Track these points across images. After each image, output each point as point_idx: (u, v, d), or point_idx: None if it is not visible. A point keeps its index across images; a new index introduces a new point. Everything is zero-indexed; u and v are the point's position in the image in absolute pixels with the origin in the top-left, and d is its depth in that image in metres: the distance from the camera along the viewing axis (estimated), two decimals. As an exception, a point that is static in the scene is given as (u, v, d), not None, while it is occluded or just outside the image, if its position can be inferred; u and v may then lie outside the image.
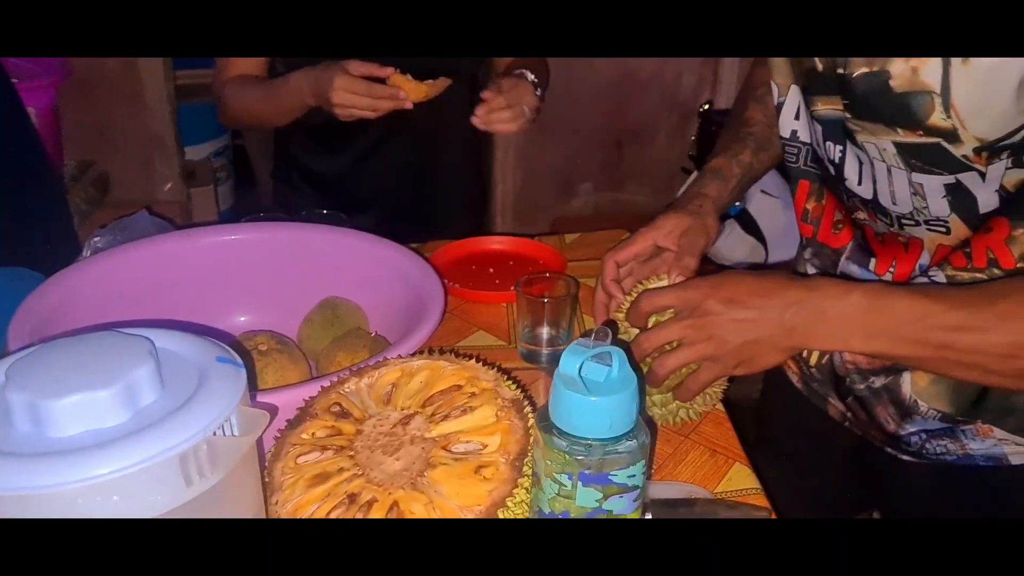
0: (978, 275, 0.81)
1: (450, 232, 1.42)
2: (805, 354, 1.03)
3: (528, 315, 1.06)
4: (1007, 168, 0.73)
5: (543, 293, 1.08)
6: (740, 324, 0.75)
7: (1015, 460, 0.90)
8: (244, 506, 0.55)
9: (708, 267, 2.14)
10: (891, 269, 0.87)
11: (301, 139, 1.51)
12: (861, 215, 0.88)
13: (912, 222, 0.82)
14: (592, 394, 0.57)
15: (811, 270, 0.98)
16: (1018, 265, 0.79)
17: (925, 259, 0.84)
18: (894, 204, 0.81)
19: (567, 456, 0.58)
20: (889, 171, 0.79)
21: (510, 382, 0.74)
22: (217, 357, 0.55)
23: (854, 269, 0.92)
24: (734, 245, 1.96)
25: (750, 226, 1.94)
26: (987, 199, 0.76)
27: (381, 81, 1.24)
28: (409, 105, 1.24)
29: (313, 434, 0.73)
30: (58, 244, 1.36)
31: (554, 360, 1.05)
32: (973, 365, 0.72)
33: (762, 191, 1.96)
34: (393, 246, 1.06)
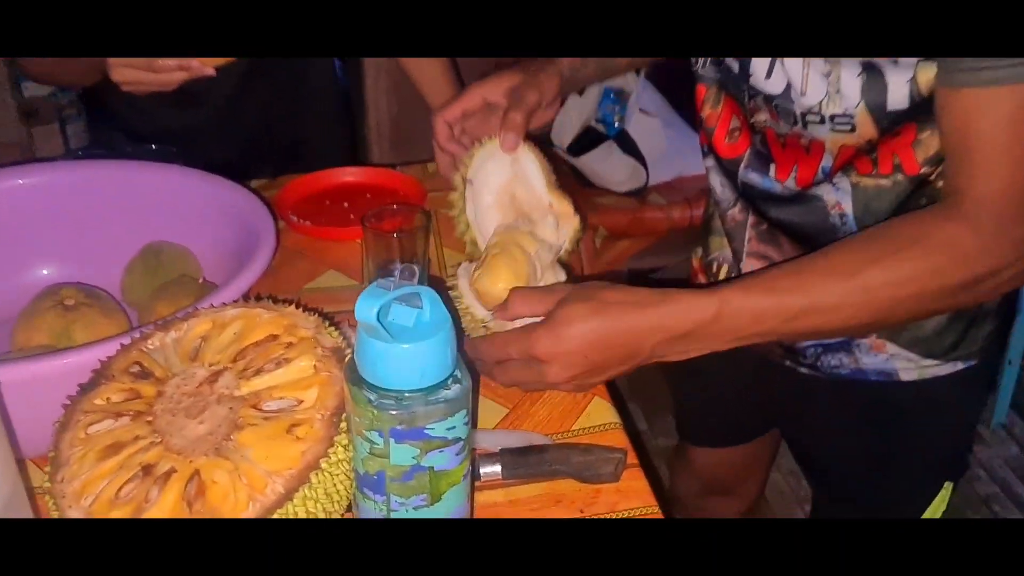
0: (882, 181, 0.80)
1: (316, 168, 1.32)
2: (715, 269, 1.02)
3: (378, 252, 0.98)
4: (919, 60, 0.70)
5: (394, 227, 1.00)
6: (586, 383, 0.73)
7: (905, 376, 0.90)
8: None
9: (591, 192, 2.08)
10: (792, 174, 0.84)
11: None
12: (762, 116, 0.84)
13: (817, 118, 0.78)
14: (399, 341, 0.50)
15: (717, 181, 0.95)
16: (922, 170, 0.78)
17: (827, 162, 0.81)
18: (803, 95, 0.77)
19: (376, 411, 0.51)
20: None
21: (332, 328, 0.67)
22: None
23: (754, 177, 0.88)
24: (614, 168, 1.91)
25: (629, 147, 1.89)
26: (898, 92, 0.72)
27: None
28: (209, 71, 1.06)
29: (108, 399, 0.64)
30: None
31: (408, 298, 0.99)
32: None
33: (641, 109, 1.91)
34: (222, 182, 0.95)
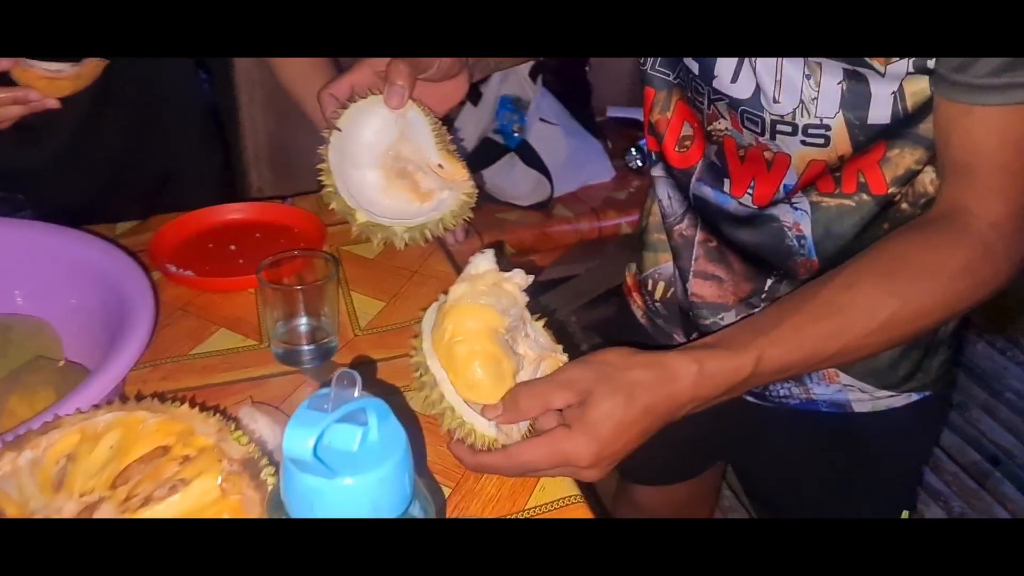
0: (845, 202, 0.74)
1: (191, 202, 1.15)
2: (650, 286, 0.95)
3: (279, 307, 0.84)
4: (908, 72, 0.64)
5: (294, 277, 0.87)
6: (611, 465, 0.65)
7: (857, 408, 0.86)
8: None
9: (493, 208, 1.99)
10: (749, 191, 0.77)
11: None
12: (721, 125, 0.76)
13: (788, 128, 0.71)
14: (341, 473, 0.38)
15: (664, 192, 0.87)
16: (889, 190, 0.72)
17: (791, 178, 0.74)
18: (775, 101, 0.70)
19: (315, 565, 0.39)
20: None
21: (239, 433, 0.54)
22: None
23: (707, 191, 0.81)
24: (518, 181, 1.81)
25: (531, 158, 1.80)
26: (881, 103, 0.66)
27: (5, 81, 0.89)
28: (52, 103, 0.90)
29: (-58, 554, 0.49)
30: None
31: (320, 357, 0.85)
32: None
33: (541, 119, 1.82)
34: (81, 236, 0.80)
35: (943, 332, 0.84)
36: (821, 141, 0.70)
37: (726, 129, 0.76)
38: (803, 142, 0.71)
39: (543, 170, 1.81)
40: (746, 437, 0.99)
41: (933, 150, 0.70)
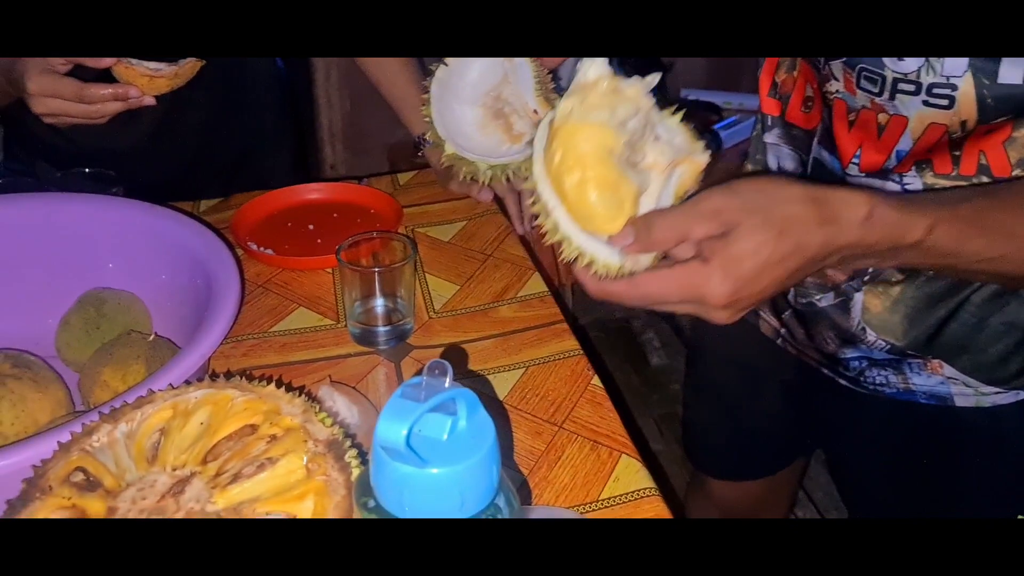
0: (961, 184, 0.69)
1: (267, 178, 1.17)
2: None
3: (356, 287, 0.86)
4: None
5: (372, 259, 0.88)
6: (745, 311, 0.58)
7: (960, 402, 0.81)
8: None
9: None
10: (855, 160, 0.73)
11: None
12: (835, 86, 0.73)
13: (911, 87, 0.66)
14: (430, 464, 0.38)
15: (774, 160, 0.85)
16: (1014, 172, 0.67)
17: (906, 143, 0.70)
18: (899, 58, 0.66)
19: (403, 551, 0.39)
20: None
21: (324, 414, 0.55)
22: None
23: (825, 156, 0.78)
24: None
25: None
26: (1013, 62, 0.61)
27: (107, 76, 0.91)
28: (149, 100, 0.93)
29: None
30: None
31: (396, 338, 0.86)
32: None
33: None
34: (171, 215, 0.82)
35: None
36: (945, 103, 0.66)
37: (837, 91, 0.73)
38: (925, 102, 0.66)
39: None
40: (835, 425, 0.95)
41: None
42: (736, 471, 1.13)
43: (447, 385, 0.40)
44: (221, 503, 0.50)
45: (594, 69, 0.57)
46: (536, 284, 0.95)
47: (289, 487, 0.51)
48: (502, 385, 0.81)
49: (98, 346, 0.76)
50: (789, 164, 0.84)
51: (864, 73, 0.69)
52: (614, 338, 2.27)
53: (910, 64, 0.66)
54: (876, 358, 0.83)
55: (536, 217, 0.58)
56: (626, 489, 0.70)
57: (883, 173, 0.73)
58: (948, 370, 0.80)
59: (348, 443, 0.53)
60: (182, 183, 1.17)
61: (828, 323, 0.83)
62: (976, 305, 0.76)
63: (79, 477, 0.53)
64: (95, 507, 0.51)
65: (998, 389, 0.80)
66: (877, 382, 0.84)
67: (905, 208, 0.56)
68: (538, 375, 0.83)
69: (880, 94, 0.69)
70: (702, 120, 2.05)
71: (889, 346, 0.80)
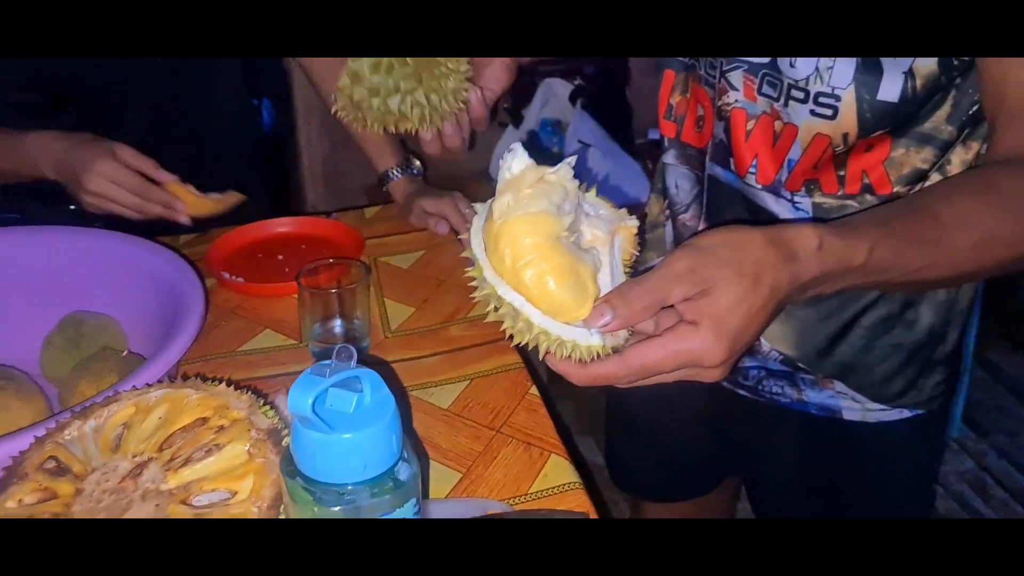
0: (848, 203, 0.76)
1: (250, 216, 1.26)
2: None
3: (316, 309, 0.93)
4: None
5: (331, 282, 0.96)
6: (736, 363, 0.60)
7: (848, 415, 0.88)
8: None
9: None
10: (752, 169, 0.78)
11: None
12: (732, 98, 0.78)
13: (801, 95, 0.72)
14: (337, 430, 0.46)
15: (672, 180, 0.91)
16: (895, 189, 0.74)
17: (796, 153, 0.75)
18: (792, 66, 0.72)
19: (317, 508, 0.47)
20: None
21: (267, 408, 0.62)
22: None
23: (718, 171, 0.84)
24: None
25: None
26: (892, 82, 0.68)
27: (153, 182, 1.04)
28: (185, 219, 1.05)
29: (20, 501, 0.59)
30: None
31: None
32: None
33: (579, 140, 1.89)
34: (145, 244, 0.90)
35: (940, 352, 0.85)
36: (830, 112, 0.71)
37: (736, 101, 0.78)
38: (812, 112, 0.72)
39: (580, 190, 1.89)
40: (747, 448, 1.01)
41: (942, 149, 0.72)
42: (664, 494, 1.17)
43: (352, 366, 0.47)
44: (173, 483, 0.58)
45: (517, 162, 0.56)
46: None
47: (232, 468, 0.58)
48: (447, 396, 0.89)
49: (76, 362, 0.83)
50: (686, 184, 0.90)
51: (766, 78, 0.75)
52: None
53: (802, 71, 0.71)
54: (772, 368, 0.89)
55: (504, 319, 0.56)
56: (553, 483, 0.77)
57: (775, 188, 0.79)
58: (839, 385, 0.85)
59: (286, 432, 0.61)
60: (161, 220, 1.25)
61: None
62: (865, 328, 0.82)
63: (51, 464, 0.60)
64: (64, 489, 0.59)
65: (883, 406, 0.86)
66: (773, 391, 0.90)
67: (847, 234, 0.58)
68: (481, 386, 0.90)
69: (778, 99, 0.75)
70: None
71: (782, 357, 0.86)
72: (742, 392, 0.94)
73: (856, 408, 0.87)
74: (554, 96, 1.88)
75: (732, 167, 0.82)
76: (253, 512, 0.55)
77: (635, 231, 0.60)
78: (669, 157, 0.92)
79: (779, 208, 0.80)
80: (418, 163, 1.28)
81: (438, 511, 0.73)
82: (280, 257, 1.14)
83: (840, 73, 0.70)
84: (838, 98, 0.71)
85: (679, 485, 1.15)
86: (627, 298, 0.55)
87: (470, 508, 0.74)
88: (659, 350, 0.55)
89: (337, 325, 0.94)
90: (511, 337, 0.56)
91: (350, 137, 1.28)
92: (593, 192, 0.60)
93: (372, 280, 1.05)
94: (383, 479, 0.48)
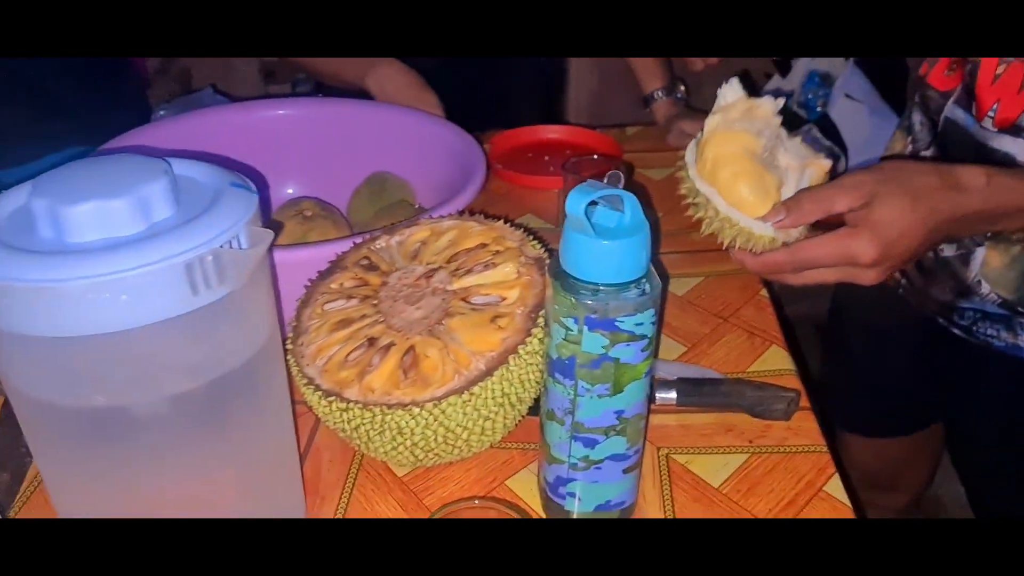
0: None
1: (519, 123, 1.40)
2: None
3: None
4: None
5: (591, 176, 1.07)
6: (891, 270, 0.67)
7: None
8: (251, 326, 0.57)
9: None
10: (991, 113, 0.80)
11: None
12: None
13: None
14: (600, 237, 0.56)
15: (917, 118, 0.93)
16: None
17: None
18: None
19: (574, 300, 0.58)
20: None
21: (535, 242, 0.74)
22: (231, 183, 0.56)
23: (959, 114, 0.85)
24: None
25: (830, 132, 1.85)
26: None
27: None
28: None
29: (341, 284, 0.75)
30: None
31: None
32: None
33: (846, 95, 1.86)
34: (440, 122, 1.06)
35: None
36: None
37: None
38: None
39: (840, 144, 1.86)
40: (953, 388, 1.00)
41: None
42: (871, 427, 1.18)
43: (619, 187, 0.57)
44: (456, 285, 0.71)
45: (731, 91, 0.70)
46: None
47: (504, 281, 0.71)
48: (683, 286, 0.97)
49: (377, 209, 1.01)
50: (926, 124, 0.90)
51: None
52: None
53: None
54: (988, 311, 0.88)
55: (698, 210, 0.69)
56: (769, 367, 0.84)
57: (1015, 130, 0.78)
58: None
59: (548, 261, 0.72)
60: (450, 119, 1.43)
61: (947, 273, 0.89)
62: None
63: (365, 262, 0.76)
64: (373, 280, 0.74)
65: None
66: (988, 334, 0.89)
67: (1018, 174, 0.64)
68: (714, 283, 0.98)
69: None
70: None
71: (1001, 300, 0.85)
72: (956, 331, 0.94)
73: None
74: (826, 48, 1.86)
75: (973, 111, 0.82)
76: (517, 313, 0.67)
77: (827, 168, 0.70)
78: (915, 99, 0.93)
79: (1014, 148, 0.79)
80: (683, 87, 1.35)
81: (663, 369, 0.82)
82: (546, 158, 1.27)
83: None
84: None
85: (886, 420, 1.16)
86: (800, 200, 0.65)
87: (692, 371, 0.82)
88: (821, 247, 0.65)
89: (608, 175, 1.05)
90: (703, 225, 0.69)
91: (622, 78, 1.37)
92: (797, 138, 0.71)
93: (632, 181, 1.15)
94: (630, 286, 0.58)
